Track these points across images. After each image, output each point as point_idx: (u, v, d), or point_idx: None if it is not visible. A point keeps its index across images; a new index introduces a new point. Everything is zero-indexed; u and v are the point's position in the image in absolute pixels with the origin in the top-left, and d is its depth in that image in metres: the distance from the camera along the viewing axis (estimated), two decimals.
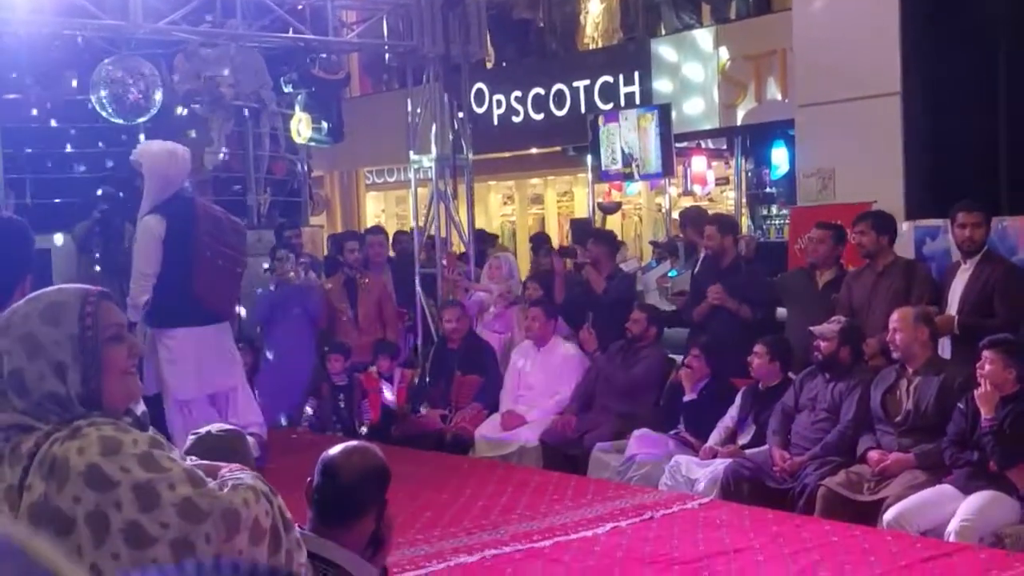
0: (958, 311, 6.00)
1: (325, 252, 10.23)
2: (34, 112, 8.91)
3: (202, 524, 1.88)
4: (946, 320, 5.94)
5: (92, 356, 1.94)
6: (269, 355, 8.18)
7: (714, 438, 6.25)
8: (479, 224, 12.97)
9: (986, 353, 5.13)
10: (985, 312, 5.91)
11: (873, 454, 5.46)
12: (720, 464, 5.91)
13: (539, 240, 9.88)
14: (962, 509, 4.85)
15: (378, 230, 9.66)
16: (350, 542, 2.52)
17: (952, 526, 4.80)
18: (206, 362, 6.48)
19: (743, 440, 6.17)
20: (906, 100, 7.67)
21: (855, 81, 7.80)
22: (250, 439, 2.84)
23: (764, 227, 10.57)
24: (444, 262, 8.99)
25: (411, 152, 9.13)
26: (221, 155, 8.92)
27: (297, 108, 8.76)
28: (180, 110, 8.91)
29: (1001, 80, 7.57)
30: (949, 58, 7.58)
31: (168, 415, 6.34)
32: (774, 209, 10.47)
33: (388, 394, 7.87)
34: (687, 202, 10.91)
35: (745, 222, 10.23)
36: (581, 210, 12.77)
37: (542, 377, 7.44)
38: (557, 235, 13.36)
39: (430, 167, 8.97)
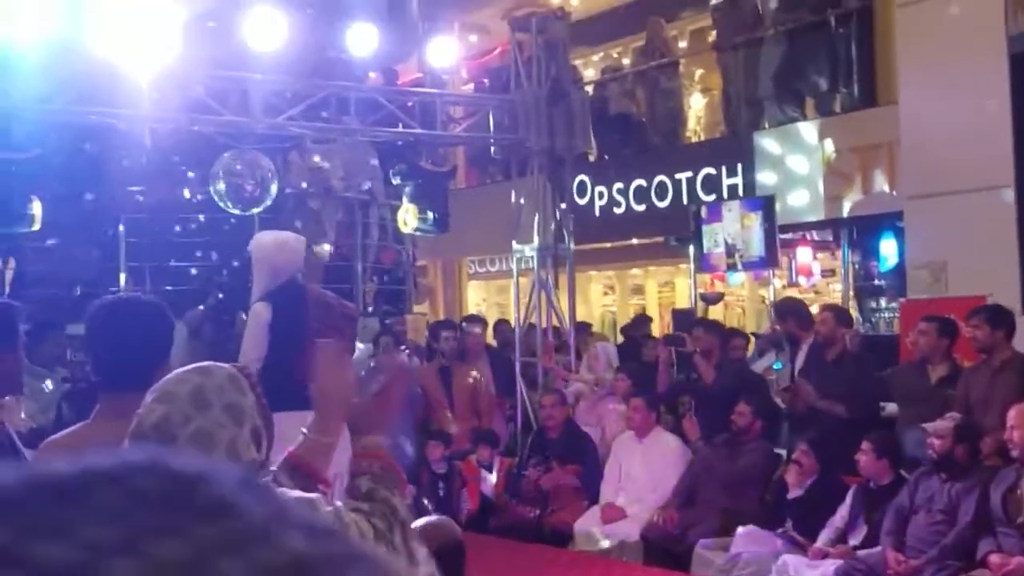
0: None
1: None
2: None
3: None
4: None
5: (269, 424, 2.04)
6: None
7: (824, 538, 6.00)
8: (580, 314, 12.98)
9: None
10: None
11: (995, 558, 5.17)
12: (831, 566, 5.66)
13: (640, 325, 9.78)
14: None
15: (476, 319, 9.70)
16: None
17: None
18: None
19: (854, 541, 5.90)
20: (1020, 191, 7.46)
21: (966, 172, 7.63)
22: None
23: (873, 320, 10.28)
24: (542, 351, 8.96)
25: (514, 242, 9.19)
26: (328, 246, 9.09)
27: (405, 199, 8.91)
28: (292, 203, 9.15)
29: None
30: None
31: None
32: (883, 302, 10.20)
33: (488, 483, 7.79)
34: (792, 294, 10.70)
35: (854, 314, 9.97)
36: (682, 301, 12.64)
37: (644, 470, 7.28)
38: (658, 326, 13.23)
39: (532, 256, 9.00)
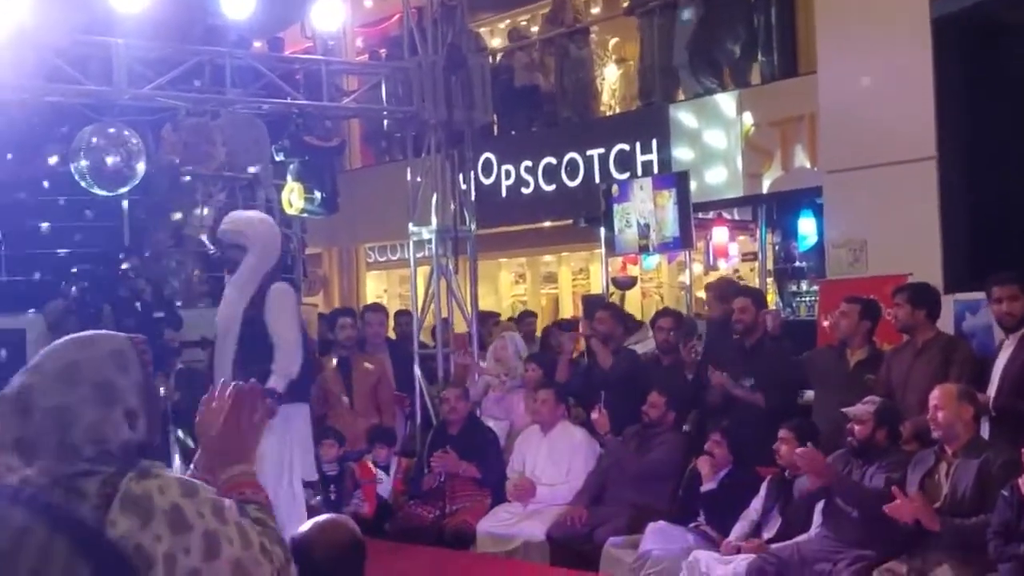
0: (997, 391, 5.94)
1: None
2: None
3: None
4: (982, 401, 5.88)
5: (155, 404, 2.12)
6: None
7: (737, 531, 6.15)
8: (488, 304, 13.05)
9: None
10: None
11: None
12: (743, 560, 5.80)
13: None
14: None
15: (377, 307, 9.70)
16: None
17: None
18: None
19: (768, 534, 6.06)
20: (942, 164, 7.71)
21: (887, 146, 7.86)
22: None
23: (793, 304, 10.53)
24: (451, 343, 9.00)
25: (410, 224, 9.20)
26: (204, 230, 9.00)
27: (289, 178, 8.86)
28: (167, 183, 9.03)
29: None
30: (988, 119, 7.64)
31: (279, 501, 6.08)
32: (803, 285, 10.45)
33: (384, 485, 7.81)
34: (712, 278, 10.90)
35: (773, 299, 10.20)
36: (598, 288, 12.79)
37: (549, 465, 7.37)
38: (572, 316, 13.36)
39: (430, 239, 9.02)
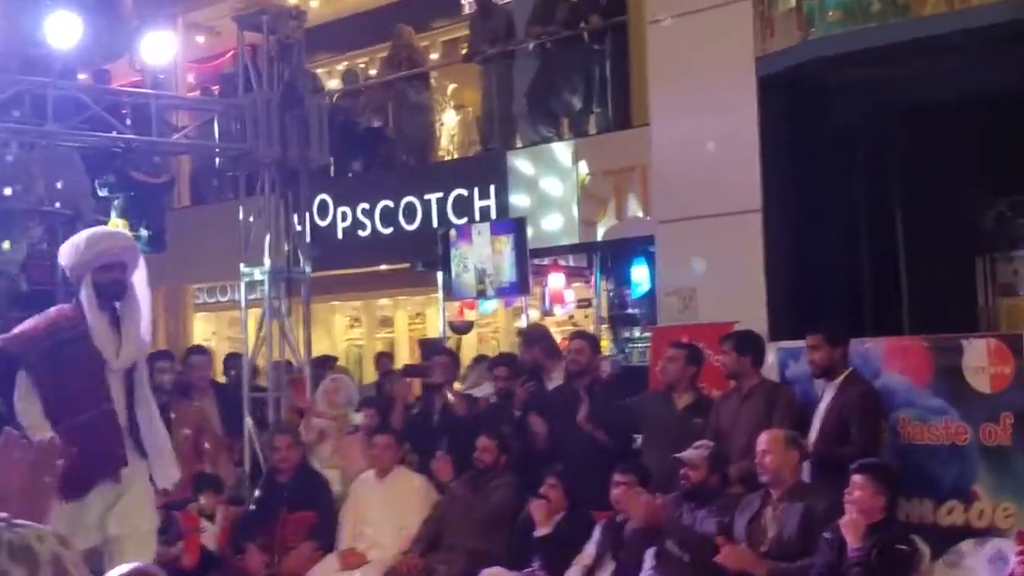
0: (818, 436, 6.20)
1: None
2: None
3: None
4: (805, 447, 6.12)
5: None
6: None
7: None
8: (323, 348, 12.87)
9: (856, 478, 5.30)
10: (843, 437, 6.11)
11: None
12: None
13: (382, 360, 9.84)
14: None
15: (201, 350, 9.48)
16: None
17: None
18: None
19: None
20: (767, 217, 8.01)
21: (716, 198, 8.13)
22: None
23: (627, 350, 10.75)
24: (285, 388, 8.85)
25: (241, 264, 9.04)
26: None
27: (113, 214, 8.60)
28: None
29: (860, 196, 8.01)
30: (810, 174, 8.01)
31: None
32: (636, 332, 10.69)
33: (209, 534, 7.58)
34: (547, 323, 11.04)
35: (607, 345, 10.39)
36: (434, 332, 12.79)
37: (385, 512, 7.31)
38: (409, 361, 13.33)
39: (262, 280, 8.88)
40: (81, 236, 5.54)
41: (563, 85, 10.82)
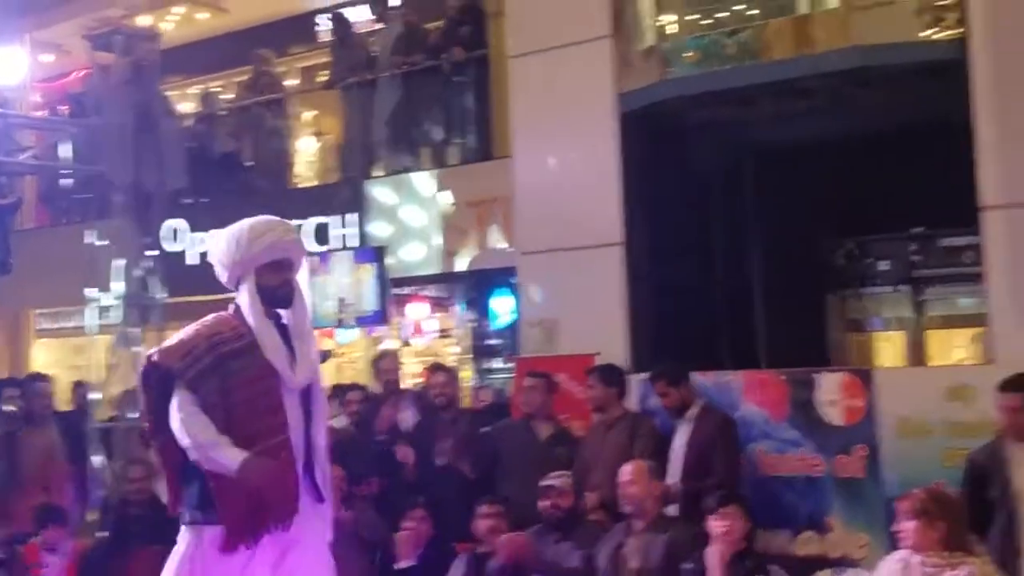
0: (676, 469, 6.31)
1: None
2: None
3: None
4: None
5: None
6: None
7: None
8: None
9: (720, 508, 5.39)
10: (705, 469, 6.23)
11: None
12: None
13: None
14: None
15: (41, 377, 9.15)
16: None
17: None
18: None
19: None
20: (628, 250, 8.15)
21: (577, 230, 8.23)
22: None
23: (487, 381, 10.76)
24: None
25: (89, 290, 8.75)
26: None
27: None
28: None
29: (718, 231, 8.22)
30: (670, 209, 8.18)
31: None
32: (499, 362, 10.72)
33: (53, 569, 7.26)
34: (407, 353, 10.97)
35: (469, 375, 10.39)
36: None
37: None
38: None
39: (112, 306, 8.60)
40: (241, 227, 4.49)
41: (424, 115, 10.86)
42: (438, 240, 10.36)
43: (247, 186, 12.16)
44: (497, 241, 9.91)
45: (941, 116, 6.93)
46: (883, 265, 8.71)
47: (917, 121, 7.45)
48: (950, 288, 8.55)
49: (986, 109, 6.58)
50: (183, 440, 4.05)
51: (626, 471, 5.83)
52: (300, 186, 12.70)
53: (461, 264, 10.30)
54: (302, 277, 4.57)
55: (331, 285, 9.49)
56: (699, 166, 8.38)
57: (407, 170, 10.80)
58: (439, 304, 11.64)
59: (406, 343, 11.60)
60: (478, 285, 10.78)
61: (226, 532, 3.98)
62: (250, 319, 4.26)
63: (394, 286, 9.82)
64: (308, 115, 13.82)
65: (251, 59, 12.50)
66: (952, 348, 8.59)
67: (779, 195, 8.59)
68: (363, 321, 9.55)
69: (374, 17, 11.94)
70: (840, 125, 8.01)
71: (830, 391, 6.44)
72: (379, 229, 10.70)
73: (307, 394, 4.31)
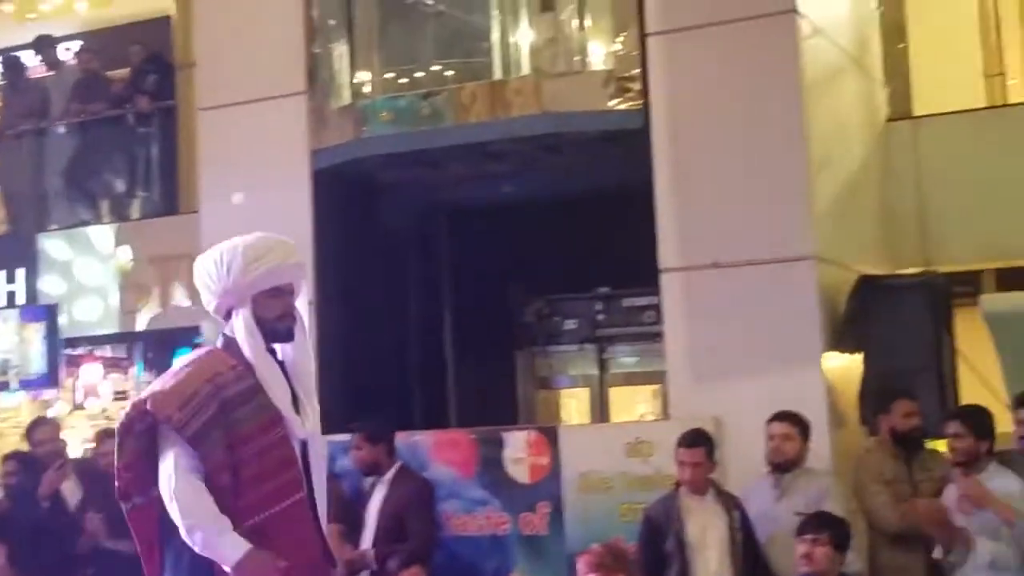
0: (373, 534, 6.18)
1: None
2: None
3: None
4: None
5: None
6: None
7: None
8: None
9: (403, 572, 5.30)
10: (399, 531, 6.13)
11: None
12: None
13: None
14: None
15: None
16: None
17: None
18: None
19: None
20: (320, 311, 7.96)
21: None
22: None
23: None
24: None
25: None
26: None
27: None
28: None
29: (412, 290, 8.20)
30: (364, 269, 8.08)
31: None
32: None
33: None
34: (78, 417, 10.31)
35: None
36: None
37: None
38: None
39: None
40: (234, 249, 3.73)
41: (104, 166, 10.56)
42: (116, 298, 9.88)
43: None
44: (180, 298, 9.54)
45: (625, 181, 7.22)
46: (570, 324, 8.93)
47: (603, 186, 7.73)
48: (632, 346, 8.88)
49: (665, 176, 6.91)
50: (176, 517, 3.36)
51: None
52: None
53: (141, 323, 9.85)
54: (302, 303, 3.89)
55: None
56: (394, 226, 8.36)
57: (84, 223, 10.32)
58: (116, 365, 11.07)
59: (79, 407, 10.91)
60: (159, 344, 10.33)
61: None
62: (250, 356, 3.57)
63: (67, 346, 9.21)
64: None
65: None
66: (634, 404, 8.90)
67: (472, 255, 8.69)
68: (29, 384, 8.88)
69: (43, 63, 11.37)
70: (531, 188, 8.21)
71: (517, 449, 6.51)
72: (51, 285, 10.13)
73: (304, 445, 3.66)
